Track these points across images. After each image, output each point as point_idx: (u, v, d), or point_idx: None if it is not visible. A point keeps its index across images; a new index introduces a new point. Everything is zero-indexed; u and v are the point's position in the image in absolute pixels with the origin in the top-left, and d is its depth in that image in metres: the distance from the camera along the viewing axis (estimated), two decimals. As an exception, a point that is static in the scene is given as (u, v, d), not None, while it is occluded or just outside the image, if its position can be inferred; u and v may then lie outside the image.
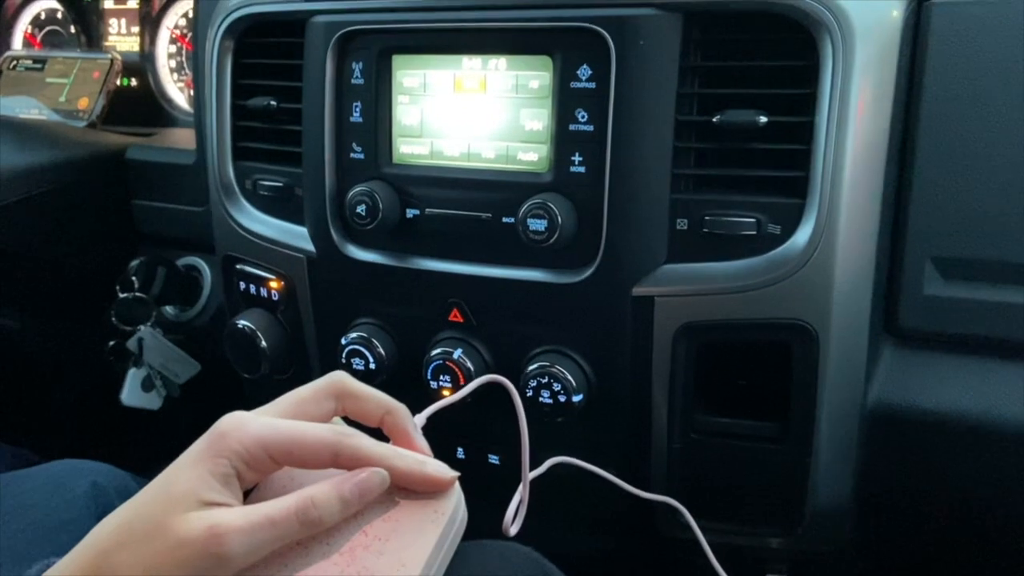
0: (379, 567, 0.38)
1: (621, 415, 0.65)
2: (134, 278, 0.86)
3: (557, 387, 0.63)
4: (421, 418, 0.46)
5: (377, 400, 0.43)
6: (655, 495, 0.59)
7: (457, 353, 0.67)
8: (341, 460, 0.40)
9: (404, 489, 0.41)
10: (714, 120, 0.58)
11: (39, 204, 0.85)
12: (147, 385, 0.88)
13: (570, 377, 0.63)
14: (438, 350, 0.67)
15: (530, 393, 0.64)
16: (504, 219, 0.64)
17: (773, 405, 0.63)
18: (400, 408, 0.43)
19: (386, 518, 0.40)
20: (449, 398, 0.49)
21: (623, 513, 0.71)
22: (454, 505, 0.41)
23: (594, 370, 0.64)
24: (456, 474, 0.42)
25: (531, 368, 0.64)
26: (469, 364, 0.66)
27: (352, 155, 0.69)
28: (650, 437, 0.65)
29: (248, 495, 0.40)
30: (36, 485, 0.70)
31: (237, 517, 0.37)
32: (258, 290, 0.78)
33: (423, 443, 0.43)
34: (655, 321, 0.62)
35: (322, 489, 0.39)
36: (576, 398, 0.63)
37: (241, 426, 0.40)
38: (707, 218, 0.60)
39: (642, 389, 0.64)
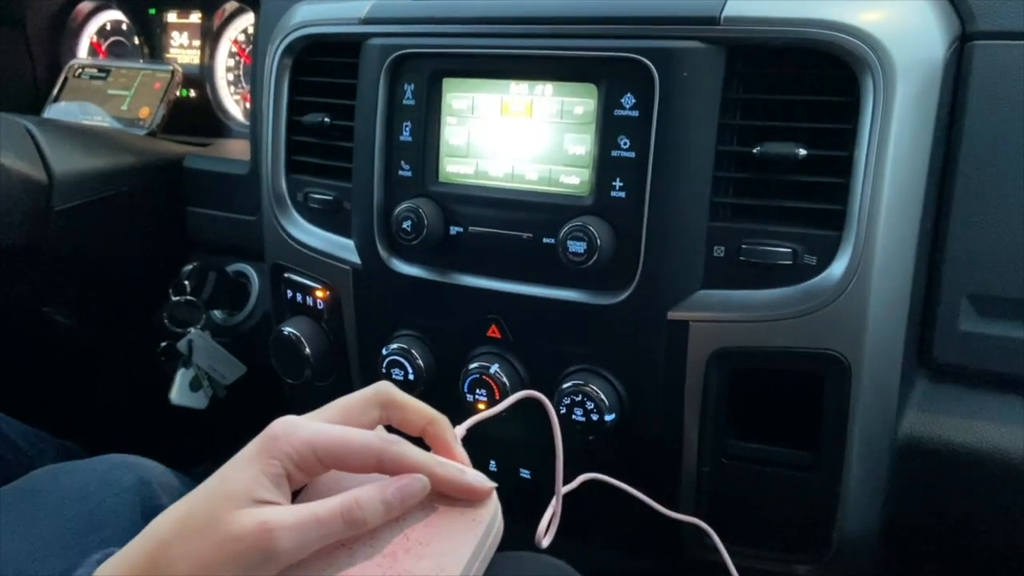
0: (419, 569, 0.40)
1: (652, 436, 0.66)
2: (186, 282, 0.89)
3: (590, 405, 0.65)
4: (461, 429, 0.48)
5: (420, 410, 0.45)
6: (683, 516, 0.60)
7: (494, 368, 0.68)
8: (385, 465, 0.42)
9: (444, 496, 0.43)
10: (754, 151, 0.60)
11: (100, 208, 0.89)
12: (195, 385, 0.92)
13: (603, 396, 0.65)
14: (475, 364, 0.69)
15: (563, 410, 0.66)
16: (545, 239, 0.66)
17: (804, 432, 0.63)
18: (442, 419, 0.46)
19: (427, 523, 0.42)
20: (488, 411, 0.51)
21: (651, 534, 0.72)
22: (492, 514, 0.43)
23: (627, 391, 0.66)
24: (494, 484, 0.44)
25: (565, 386, 0.66)
26: (505, 379, 0.68)
27: (400, 172, 0.71)
28: (680, 459, 0.66)
29: (296, 496, 0.43)
30: (85, 478, 0.73)
31: (286, 515, 0.40)
32: (304, 299, 0.81)
33: (463, 453, 0.45)
34: (689, 345, 0.63)
35: (367, 492, 0.41)
36: (608, 417, 0.65)
37: (292, 430, 0.42)
38: (744, 246, 0.61)
39: (674, 412, 0.65)
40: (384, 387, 0.46)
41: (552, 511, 0.51)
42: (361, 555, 0.41)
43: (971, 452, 0.62)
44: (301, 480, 0.43)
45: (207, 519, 0.40)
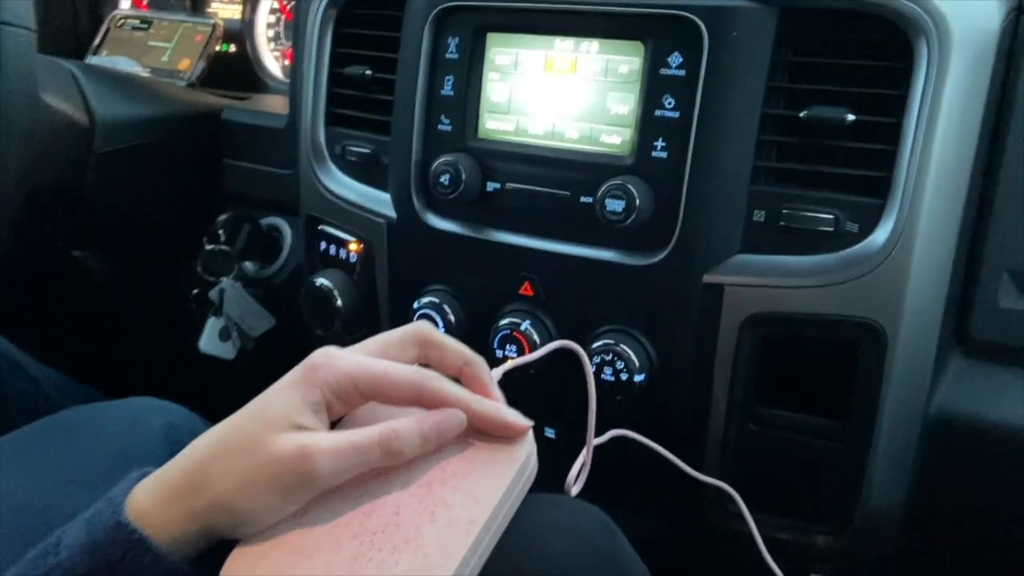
0: (454, 501, 0.40)
1: (681, 399, 0.66)
2: (221, 232, 0.90)
3: (620, 365, 0.65)
4: (497, 372, 0.48)
5: (458, 350, 0.46)
6: (710, 478, 0.60)
7: (525, 325, 0.69)
8: (424, 399, 0.42)
9: (480, 433, 0.44)
10: (800, 115, 0.59)
11: (139, 154, 0.90)
12: (224, 335, 0.93)
13: (633, 357, 0.65)
14: (506, 320, 0.69)
15: (593, 369, 0.66)
16: (582, 198, 0.66)
17: (833, 402, 0.63)
18: (479, 360, 0.46)
19: (462, 458, 0.43)
20: (524, 358, 0.51)
21: (673, 498, 0.72)
22: (527, 451, 0.43)
23: (658, 352, 0.66)
24: (530, 423, 0.44)
25: (596, 345, 0.66)
26: (536, 336, 0.68)
27: (440, 127, 0.71)
28: (707, 423, 0.66)
29: (334, 427, 0.43)
30: (114, 418, 0.75)
31: (326, 440, 0.40)
32: (337, 251, 0.81)
33: (499, 394, 0.45)
34: (723, 309, 0.63)
35: (405, 423, 0.41)
36: (638, 378, 0.65)
37: (333, 360, 0.42)
38: (785, 211, 0.60)
39: (704, 375, 0.65)
40: (423, 326, 0.46)
41: (583, 460, 0.51)
42: (397, 484, 0.42)
43: (1003, 430, 0.61)
44: (339, 410, 0.43)
45: (248, 441, 0.40)
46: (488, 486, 0.41)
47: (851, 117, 0.58)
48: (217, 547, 0.41)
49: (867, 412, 0.61)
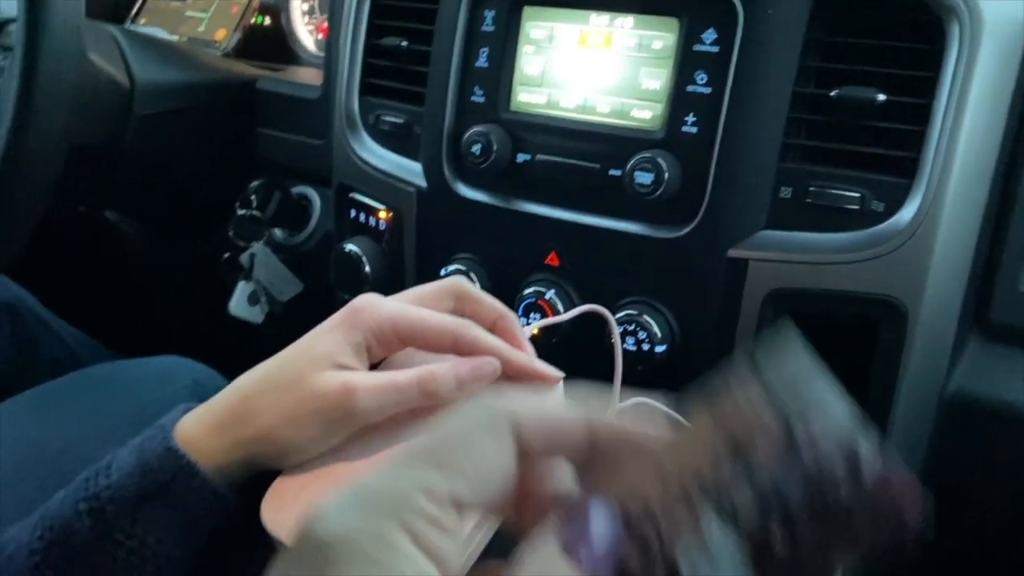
0: None
1: (700, 372, 0.67)
2: (253, 197, 0.92)
3: (642, 335, 0.66)
4: (528, 330, 0.49)
5: (492, 305, 0.47)
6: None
7: (550, 294, 0.70)
8: (460, 346, 0.44)
9: (513, 383, 0.45)
10: (831, 94, 0.60)
11: (177, 119, 0.92)
12: (253, 299, 0.95)
13: (656, 328, 0.66)
14: (531, 289, 0.71)
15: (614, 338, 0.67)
16: (611, 171, 0.67)
17: (850, 380, 0.64)
18: (512, 315, 0.47)
19: None
20: (555, 318, 0.52)
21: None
22: (558, 402, 0.45)
23: (680, 324, 0.67)
24: (562, 374, 0.45)
25: (619, 315, 0.67)
26: (560, 306, 0.70)
27: (473, 98, 0.73)
28: (726, 397, 0.67)
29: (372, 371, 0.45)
30: (143, 373, 0.77)
31: (367, 378, 0.42)
32: (367, 219, 0.83)
33: (530, 348, 0.47)
34: (746, 284, 0.64)
35: (442, 366, 0.43)
36: (659, 349, 0.66)
37: (375, 304, 0.44)
38: (812, 189, 0.61)
39: (724, 350, 0.66)
40: (458, 279, 0.48)
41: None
42: None
43: (1019, 413, 0.62)
44: (378, 354, 0.45)
45: (292, 377, 0.42)
46: None
47: (882, 97, 0.59)
48: (260, 478, 0.43)
49: (885, 390, 0.62)
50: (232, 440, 0.42)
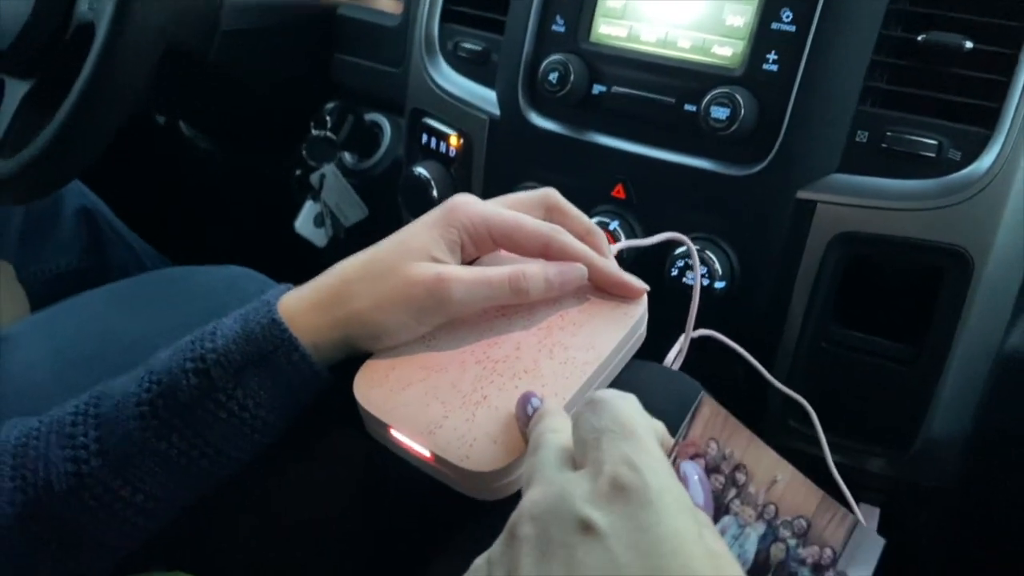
0: (571, 344, 0.44)
1: (757, 311, 0.69)
2: (327, 119, 0.94)
3: (703, 270, 0.67)
4: (614, 248, 0.51)
5: (581, 219, 0.49)
6: (788, 390, 0.62)
7: (613, 225, 0.71)
8: (551, 251, 0.46)
9: (598, 291, 0.47)
10: (918, 39, 0.60)
11: (258, 38, 0.95)
12: (319, 220, 0.98)
13: (717, 264, 0.67)
14: (595, 219, 0.72)
15: (675, 272, 0.68)
16: (686, 106, 0.68)
17: (908, 328, 0.64)
18: (600, 231, 0.49)
19: (581, 310, 0.46)
20: (637, 241, 0.54)
21: (738, 409, 0.74)
22: (641, 313, 0.46)
23: (741, 262, 0.68)
24: (647, 287, 0.47)
25: (680, 249, 0.68)
26: (623, 237, 0.71)
27: (553, 27, 0.74)
28: (780, 338, 0.68)
29: None
30: (212, 279, 0.79)
31: (460, 271, 0.44)
32: (438, 144, 0.85)
33: (616, 263, 0.48)
34: (812, 226, 0.64)
35: (532, 266, 0.45)
36: (719, 285, 0.67)
37: (471, 204, 0.46)
38: (888, 134, 0.61)
39: (783, 290, 0.67)
40: (551, 191, 0.49)
41: (680, 345, 0.54)
42: (519, 325, 0.45)
43: (1078, 375, 0.62)
44: (471, 253, 0.47)
45: (389, 265, 0.44)
46: (604, 335, 0.45)
47: (969, 44, 0.58)
48: (353, 361, 0.46)
49: (943, 339, 0.62)
50: (330, 319, 0.45)
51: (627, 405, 0.33)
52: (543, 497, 0.30)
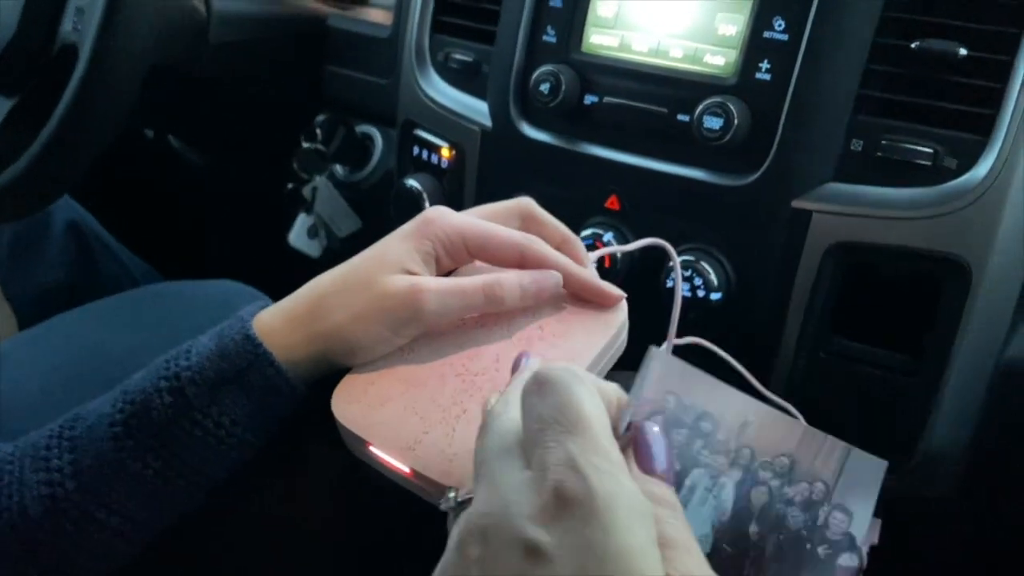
0: (551, 356, 0.43)
1: (754, 322, 0.68)
2: (318, 131, 0.93)
3: (698, 282, 0.66)
4: (592, 256, 0.50)
5: (557, 227, 0.48)
6: (779, 399, 0.61)
7: (607, 236, 0.70)
8: (526, 260, 0.45)
9: (576, 300, 0.46)
10: (912, 46, 0.59)
11: (247, 50, 0.94)
12: (312, 232, 0.97)
13: (712, 275, 0.66)
14: (590, 231, 0.71)
15: (671, 283, 0.67)
16: (679, 116, 0.67)
17: (907, 338, 0.64)
18: (577, 239, 0.48)
19: (559, 319, 0.46)
20: (617, 247, 0.53)
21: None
22: (621, 321, 0.46)
23: (737, 273, 0.67)
24: (624, 294, 0.46)
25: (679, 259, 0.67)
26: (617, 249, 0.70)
27: (544, 38, 0.73)
28: (777, 349, 0.68)
29: None
30: (204, 293, 0.79)
31: (434, 282, 0.44)
32: (429, 156, 0.84)
33: (594, 271, 0.48)
34: (808, 236, 0.64)
35: (507, 275, 0.44)
36: (714, 296, 0.66)
37: (446, 216, 0.45)
38: (884, 142, 0.61)
39: (780, 301, 0.66)
40: (526, 201, 0.49)
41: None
42: (497, 336, 0.45)
43: (1078, 383, 0.61)
44: (447, 265, 0.46)
45: (364, 279, 0.44)
46: (584, 345, 0.44)
47: (963, 51, 0.58)
48: (330, 377, 0.45)
49: (942, 349, 0.62)
50: (305, 334, 0.44)
51: (576, 387, 0.31)
52: (488, 508, 0.29)
